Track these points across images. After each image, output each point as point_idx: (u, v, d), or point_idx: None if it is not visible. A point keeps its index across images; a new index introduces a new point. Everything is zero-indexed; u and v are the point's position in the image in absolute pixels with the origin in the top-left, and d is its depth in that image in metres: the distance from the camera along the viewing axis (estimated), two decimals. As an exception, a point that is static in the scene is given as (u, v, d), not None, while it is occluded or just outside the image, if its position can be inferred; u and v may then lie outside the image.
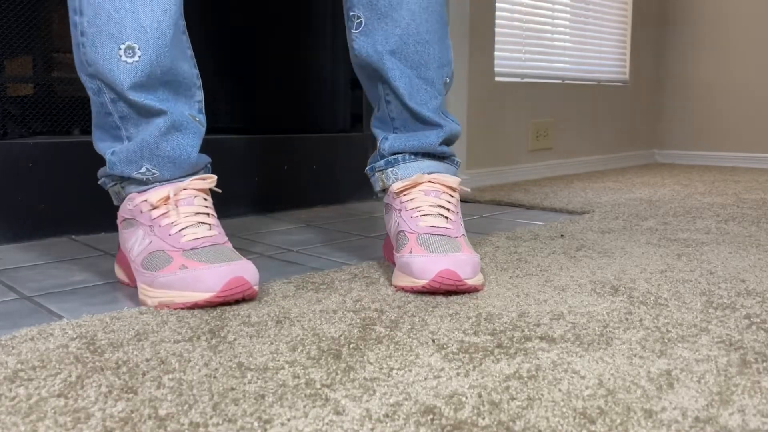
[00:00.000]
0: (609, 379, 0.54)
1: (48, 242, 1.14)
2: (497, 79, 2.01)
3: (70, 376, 0.55)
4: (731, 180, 2.09)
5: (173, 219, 0.78)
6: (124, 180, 0.83)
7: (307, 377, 0.55)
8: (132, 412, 0.49)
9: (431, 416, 0.48)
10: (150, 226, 0.79)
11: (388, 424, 0.47)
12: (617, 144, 2.60)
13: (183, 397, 0.51)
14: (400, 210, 0.88)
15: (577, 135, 2.38)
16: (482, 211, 1.49)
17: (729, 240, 1.12)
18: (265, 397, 0.51)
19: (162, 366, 0.57)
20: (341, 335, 0.65)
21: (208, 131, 1.29)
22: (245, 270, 0.74)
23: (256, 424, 0.47)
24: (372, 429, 0.46)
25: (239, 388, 0.53)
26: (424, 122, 0.90)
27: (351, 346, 0.62)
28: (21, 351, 0.61)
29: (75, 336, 0.65)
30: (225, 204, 1.38)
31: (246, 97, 1.64)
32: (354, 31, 0.89)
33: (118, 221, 0.85)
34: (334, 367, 0.57)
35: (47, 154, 1.16)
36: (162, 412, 0.49)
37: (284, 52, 1.63)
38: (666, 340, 0.63)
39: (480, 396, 0.51)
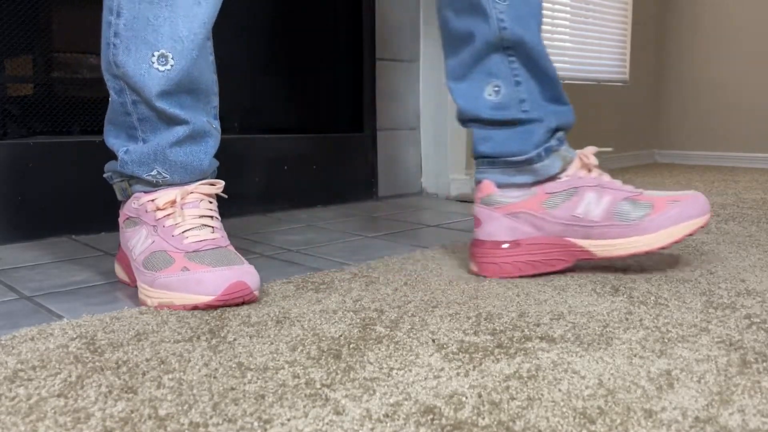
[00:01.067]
0: (609, 379, 0.54)
1: (48, 242, 1.14)
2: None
3: (70, 376, 0.55)
4: (731, 180, 2.09)
5: (177, 220, 0.78)
6: (133, 179, 0.83)
7: (307, 377, 0.55)
8: (132, 412, 0.49)
9: (431, 416, 0.48)
10: (154, 226, 0.79)
11: (388, 424, 0.47)
12: (617, 144, 2.60)
13: (183, 397, 0.51)
14: (599, 184, 0.86)
15: (577, 135, 2.38)
16: (482, 211, 1.49)
17: (729, 240, 1.12)
18: (265, 397, 0.51)
19: (162, 366, 0.57)
20: (341, 335, 0.65)
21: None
22: (247, 274, 0.74)
23: (256, 424, 0.47)
24: (372, 429, 0.46)
25: (239, 388, 0.53)
26: (560, 101, 0.89)
27: (351, 346, 0.62)
28: (21, 351, 0.61)
29: (75, 336, 0.65)
30: (225, 204, 1.38)
31: (246, 97, 1.64)
32: (502, 2, 0.84)
33: (121, 219, 0.85)
34: (334, 367, 0.57)
35: (47, 154, 1.16)
36: (162, 412, 0.49)
37: (284, 52, 1.63)
38: (666, 340, 0.63)
39: (480, 396, 0.51)
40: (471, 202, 1.66)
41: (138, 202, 0.81)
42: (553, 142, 0.87)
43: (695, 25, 2.71)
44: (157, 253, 0.77)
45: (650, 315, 0.71)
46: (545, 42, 0.88)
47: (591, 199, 0.85)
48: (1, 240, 1.11)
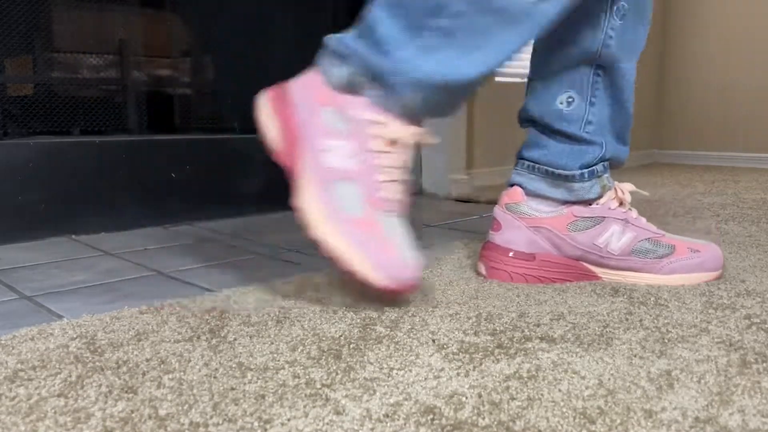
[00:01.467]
0: (609, 379, 0.54)
1: (48, 242, 1.14)
2: (497, 79, 2.01)
3: (70, 376, 0.55)
4: (731, 180, 2.09)
5: (387, 162, 0.67)
6: (375, 80, 0.66)
7: (307, 377, 0.55)
8: (132, 412, 0.49)
9: (431, 416, 0.48)
10: (362, 150, 0.68)
11: (388, 424, 0.47)
12: (617, 144, 2.60)
13: (183, 397, 0.51)
14: (625, 219, 0.86)
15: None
16: (482, 211, 1.49)
17: (729, 240, 1.12)
18: (265, 397, 0.51)
19: (162, 366, 0.57)
20: (341, 335, 0.65)
21: (209, 131, 1.29)
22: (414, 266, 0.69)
23: (256, 424, 0.47)
24: (372, 429, 0.46)
25: (239, 388, 0.53)
26: (623, 139, 0.89)
27: (351, 346, 0.62)
28: (21, 351, 0.61)
29: (75, 336, 0.65)
30: (225, 204, 1.38)
31: (246, 97, 1.64)
32: (617, 20, 0.82)
33: (318, 99, 0.70)
34: (334, 367, 0.57)
35: (47, 154, 1.16)
36: (162, 412, 0.49)
37: (284, 52, 1.63)
38: (666, 341, 0.63)
39: (480, 396, 0.51)
40: (470, 201, 1.65)
41: (358, 113, 0.67)
42: (598, 167, 0.86)
43: (696, 26, 2.71)
44: (345, 188, 0.67)
45: (650, 315, 0.71)
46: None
47: (614, 231, 0.85)
48: (1, 240, 1.11)
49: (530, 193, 0.88)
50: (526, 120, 0.91)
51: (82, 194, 1.20)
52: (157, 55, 1.46)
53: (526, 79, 0.93)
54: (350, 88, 0.69)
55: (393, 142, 0.68)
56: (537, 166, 0.88)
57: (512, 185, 0.90)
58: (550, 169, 0.87)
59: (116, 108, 1.34)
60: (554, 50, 0.87)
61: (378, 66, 0.67)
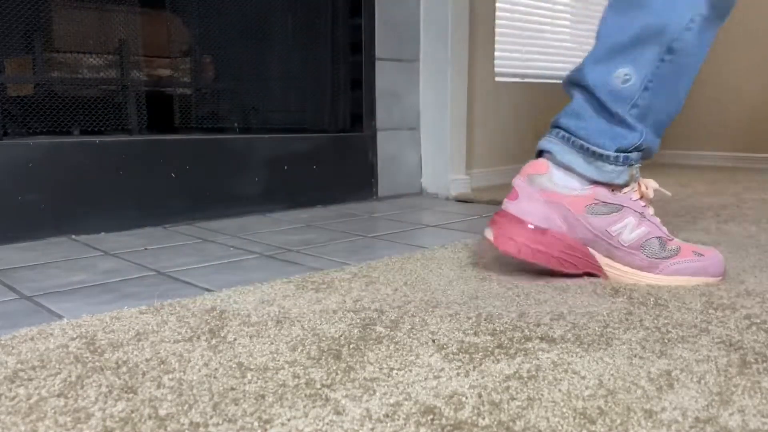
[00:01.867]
0: (609, 379, 0.54)
1: (48, 242, 1.14)
2: (497, 79, 2.01)
3: (70, 376, 0.55)
4: (731, 180, 2.09)
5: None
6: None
7: (307, 377, 0.55)
8: (132, 412, 0.49)
9: (431, 416, 0.48)
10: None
11: (388, 424, 0.47)
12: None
13: (183, 397, 0.51)
14: (642, 214, 0.86)
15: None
16: (482, 211, 1.49)
17: (729, 240, 1.12)
18: (265, 397, 0.51)
19: (162, 366, 0.57)
20: (341, 335, 0.65)
21: (209, 131, 1.30)
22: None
23: (256, 424, 0.47)
24: (372, 429, 0.46)
25: (239, 388, 0.53)
26: (659, 132, 0.88)
27: (351, 346, 0.62)
28: (21, 351, 0.61)
29: (75, 336, 0.65)
30: (225, 204, 1.38)
31: (246, 97, 1.64)
32: (705, 10, 0.82)
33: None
34: (334, 367, 0.57)
35: (47, 154, 1.16)
36: (162, 412, 0.49)
37: (284, 52, 1.64)
38: (666, 341, 0.63)
39: (480, 396, 0.51)
40: (470, 202, 1.65)
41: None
42: (633, 155, 0.85)
43: (695, 26, 2.71)
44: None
45: (650, 315, 0.71)
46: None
47: (629, 223, 0.85)
48: (1, 240, 1.11)
49: (559, 165, 0.86)
50: (577, 84, 0.87)
51: (82, 194, 1.20)
52: (157, 55, 1.46)
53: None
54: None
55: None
56: (573, 138, 0.86)
57: (540, 153, 0.88)
58: (586, 144, 0.85)
59: (116, 108, 1.34)
60: (630, 12, 0.83)
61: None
